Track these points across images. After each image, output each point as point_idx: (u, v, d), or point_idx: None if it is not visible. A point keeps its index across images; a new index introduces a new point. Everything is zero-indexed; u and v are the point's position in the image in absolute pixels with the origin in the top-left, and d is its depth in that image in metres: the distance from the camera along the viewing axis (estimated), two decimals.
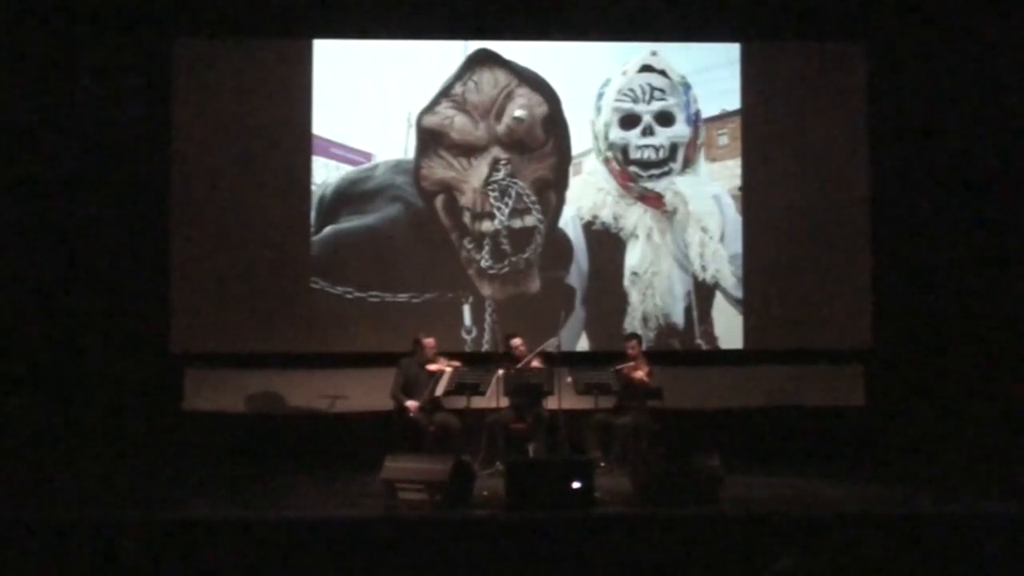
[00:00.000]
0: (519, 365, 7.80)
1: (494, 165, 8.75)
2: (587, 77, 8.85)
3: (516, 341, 8.00)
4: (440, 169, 8.77)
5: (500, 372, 7.77)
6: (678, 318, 8.80)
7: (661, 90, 8.88)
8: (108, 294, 8.38)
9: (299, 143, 8.65)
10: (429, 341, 7.91)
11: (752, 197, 8.84)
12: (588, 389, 7.77)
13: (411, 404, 7.69)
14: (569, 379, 7.80)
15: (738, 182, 8.87)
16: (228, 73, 8.65)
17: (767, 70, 8.91)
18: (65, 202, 8.41)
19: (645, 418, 7.83)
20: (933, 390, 8.57)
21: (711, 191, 8.87)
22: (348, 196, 8.69)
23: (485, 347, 8.59)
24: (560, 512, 6.02)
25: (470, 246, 8.74)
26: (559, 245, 8.80)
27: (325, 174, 8.67)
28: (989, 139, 8.73)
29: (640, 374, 7.89)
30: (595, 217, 8.83)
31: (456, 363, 7.89)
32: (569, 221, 8.82)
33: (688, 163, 8.87)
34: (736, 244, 8.84)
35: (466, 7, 8.72)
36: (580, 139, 8.85)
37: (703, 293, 8.81)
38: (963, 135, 8.74)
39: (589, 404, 7.90)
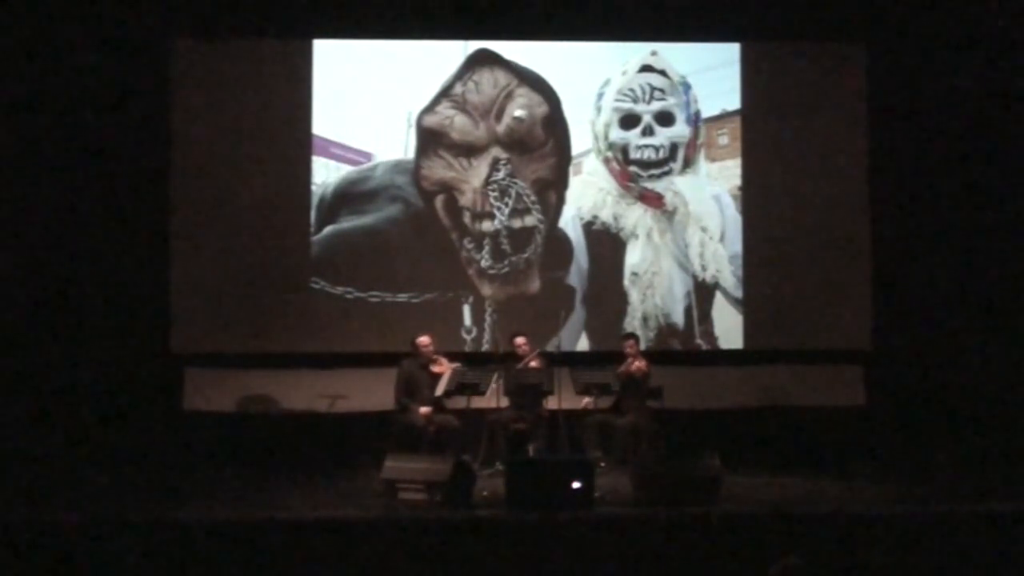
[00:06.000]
0: (519, 366, 7.80)
1: (494, 165, 8.75)
2: (587, 77, 8.85)
3: (520, 340, 8.00)
4: (440, 169, 8.77)
5: (498, 373, 7.76)
6: (678, 318, 8.80)
7: (661, 90, 8.88)
8: (108, 294, 8.38)
9: (299, 143, 8.65)
10: (423, 340, 7.87)
11: (752, 197, 8.84)
12: (588, 389, 7.77)
13: (424, 411, 7.68)
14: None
15: (738, 182, 8.87)
16: (228, 73, 8.63)
17: (767, 70, 8.91)
18: (65, 202, 8.39)
19: (645, 418, 7.83)
20: (933, 390, 8.57)
21: (711, 191, 8.87)
22: (348, 196, 8.69)
23: (485, 347, 8.58)
24: (560, 512, 6.02)
25: (470, 246, 8.74)
26: (559, 245, 8.80)
27: (325, 174, 8.67)
28: (989, 139, 8.72)
29: (638, 364, 7.88)
30: (595, 217, 8.83)
31: (455, 365, 7.86)
32: (569, 221, 8.82)
33: (688, 163, 8.87)
34: (736, 244, 8.83)
35: (466, 7, 8.71)
36: (580, 139, 8.85)
37: (703, 293, 8.81)
38: (963, 135, 8.73)
39: (589, 404, 7.90)
